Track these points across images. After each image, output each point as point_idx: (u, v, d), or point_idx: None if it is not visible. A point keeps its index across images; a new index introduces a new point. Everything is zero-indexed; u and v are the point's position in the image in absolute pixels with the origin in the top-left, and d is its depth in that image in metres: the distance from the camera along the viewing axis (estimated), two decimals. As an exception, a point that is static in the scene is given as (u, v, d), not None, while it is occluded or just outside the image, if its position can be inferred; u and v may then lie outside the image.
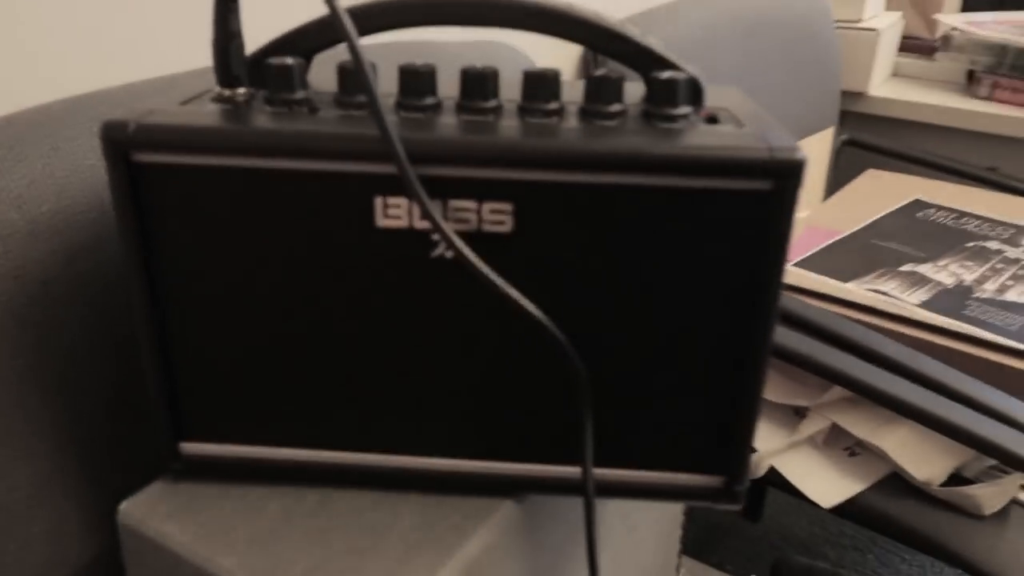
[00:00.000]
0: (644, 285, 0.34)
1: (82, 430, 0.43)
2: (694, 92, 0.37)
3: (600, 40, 0.37)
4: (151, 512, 0.37)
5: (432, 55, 0.64)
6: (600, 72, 0.35)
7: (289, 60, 0.36)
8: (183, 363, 0.38)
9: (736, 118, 0.35)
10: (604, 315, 0.35)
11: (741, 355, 0.35)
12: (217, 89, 0.37)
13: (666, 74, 0.35)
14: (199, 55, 0.59)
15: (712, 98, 0.39)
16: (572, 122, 0.34)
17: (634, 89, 0.40)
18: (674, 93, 0.35)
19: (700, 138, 0.32)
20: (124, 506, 0.38)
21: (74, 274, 0.42)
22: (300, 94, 0.36)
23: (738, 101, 0.39)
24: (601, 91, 0.35)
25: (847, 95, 1.37)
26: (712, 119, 0.35)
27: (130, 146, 0.33)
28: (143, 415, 0.45)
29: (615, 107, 0.35)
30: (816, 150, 1.28)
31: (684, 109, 0.35)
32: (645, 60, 0.37)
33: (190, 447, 0.39)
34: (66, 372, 0.42)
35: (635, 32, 0.37)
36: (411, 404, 0.38)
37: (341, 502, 0.38)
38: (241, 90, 0.37)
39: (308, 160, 0.33)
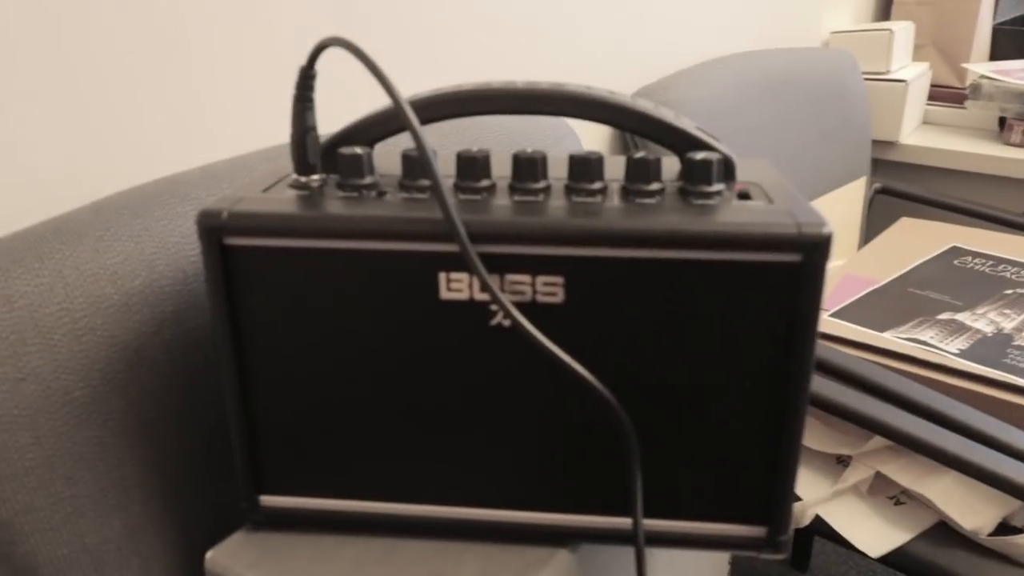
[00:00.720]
0: (686, 348, 0.37)
1: (169, 484, 0.47)
2: (727, 169, 0.41)
3: (638, 125, 0.40)
4: (235, 560, 0.41)
5: (484, 128, 0.69)
6: (640, 154, 0.39)
7: (358, 149, 0.40)
8: (263, 423, 0.41)
9: (767, 194, 0.39)
10: (649, 376, 0.38)
11: (778, 412, 0.38)
12: (294, 176, 0.41)
13: (700, 155, 0.39)
14: (266, 136, 0.64)
15: (744, 172, 0.42)
16: (615, 200, 0.38)
17: (670, 164, 0.44)
18: (708, 172, 0.38)
19: (734, 215, 0.36)
20: (210, 555, 0.41)
21: (161, 341, 0.46)
22: (368, 179, 0.40)
23: (768, 175, 0.42)
24: (641, 171, 0.39)
25: (879, 144, 1.39)
26: (744, 195, 0.38)
27: (223, 231, 0.37)
28: (226, 470, 0.49)
29: (654, 186, 0.39)
30: (849, 200, 1.30)
31: (718, 186, 0.38)
32: (680, 142, 0.40)
33: (269, 500, 0.43)
34: (155, 431, 0.46)
35: (670, 115, 0.41)
36: (471, 460, 0.41)
37: (407, 550, 0.41)
38: (316, 177, 0.41)
39: (378, 241, 0.37)
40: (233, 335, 0.39)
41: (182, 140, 0.59)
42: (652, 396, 0.38)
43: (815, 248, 0.34)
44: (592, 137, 0.99)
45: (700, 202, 0.38)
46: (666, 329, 0.37)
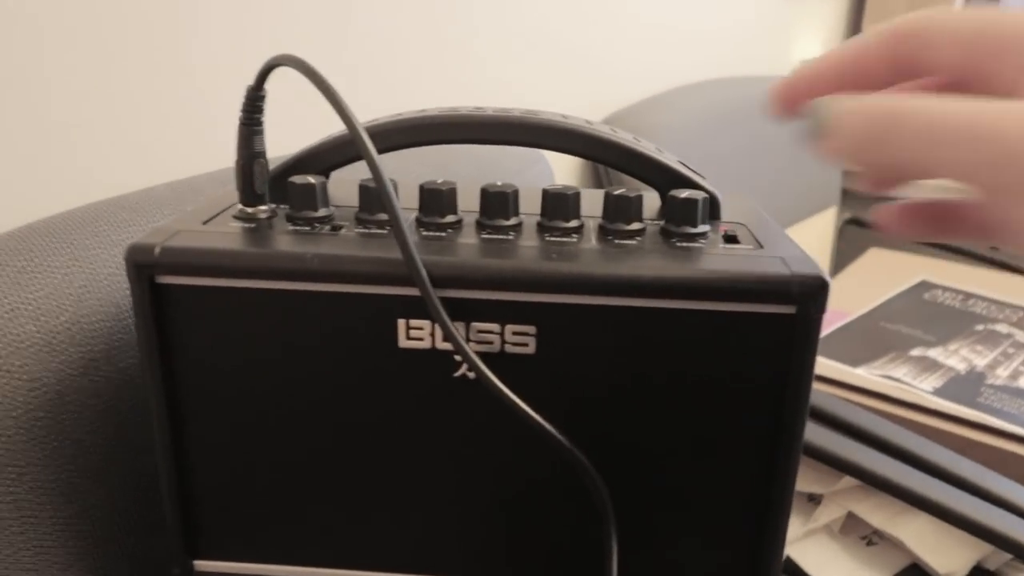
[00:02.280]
0: (667, 404, 0.34)
1: (94, 546, 0.42)
2: (712, 208, 0.38)
3: (618, 159, 0.37)
4: (163, 637, 0.36)
5: (449, 154, 0.65)
6: (619, 191, 0.36)
7: (311, 179, 0.36)
8: (199, 479, 0.37)
9: (754, 237, 0.36)
10: (627, 435, 0.35)
11: (768, 472, 0.35)
12: (239, 206, 0.37)
13: (685, 193, 0.36)
14: (218, 158, 0.60)
15: (729, 211, 0.40)
16: (592, 241, 0.35)
17: (649, 200, 0.41)
18: (693, 213, 0.35)
19: (722, 262, 0.33)
20: (135, 630, 0.37)
21: (90, 384, 0.42)
22: (322, 212, 0.36)
23: (753, 215, 0.39)
24: (621, 209, 0.36)
25: (849, 174, 1.39)
26: (731, 237, 0.36)
27: (155, 269, 0.33)
28: (157, 528, 0.45)
29: (635, 226, 0.36)
30: (819, 230, 1.29)
31: (703, 228, 0.36)
32: (663, 178, 0.37)
33: (204, 564, 0.39)
34: (77, 486, 0.41)
35: (651, 148, 0.38)
36: (428, 523, 0.37)
37: (357, 623, 0.37)
38: (263, 208, 0.37)
39: (331, 283, 0.33)
40: (166, 383, 0.35)
41: (122, 160, 0.54)
42: (630, 456, 0.35)
43: (811, 299, 0.31)
44: (563, 164, 0.96)
45: (684, 244, 0.35)
46: (646, 384, 0.34)
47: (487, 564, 0.37)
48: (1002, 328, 0.96)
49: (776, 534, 0.35)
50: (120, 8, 0.52)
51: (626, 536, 0.36)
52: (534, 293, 0.32)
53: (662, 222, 0.37)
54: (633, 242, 0.35)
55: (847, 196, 1.43)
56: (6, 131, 0.48)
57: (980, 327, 0.97)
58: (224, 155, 0.60)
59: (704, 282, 0.32)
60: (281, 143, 0.43)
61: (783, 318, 0.32)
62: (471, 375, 0.34)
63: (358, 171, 0.38)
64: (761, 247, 0.34)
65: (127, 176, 0.55)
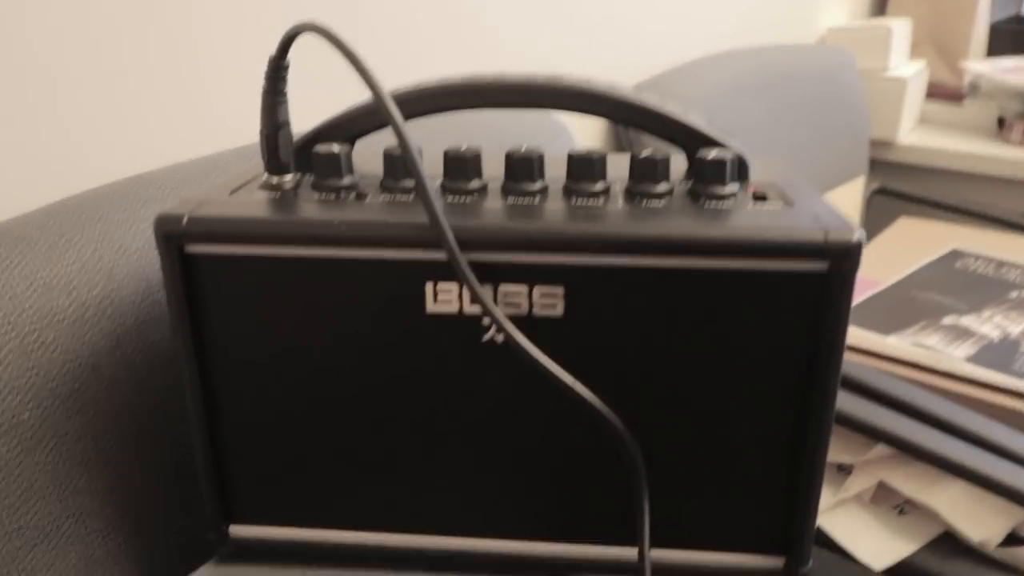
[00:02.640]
0: (698, 364, 0.34)
1: (131, 514, 0.43)
2: (740, 168, 0.37)
3: (644, 120, 0.37)
4: (201, 601, 0.37)
5: (471, 124, 0.65)
6: (646, 153, 0.35)
7: (336, 147, 0.36)
8: (232, 447, 0.37)
9: (784, 195, 0.35)
10: (658, 395, 0.34)
11: (801, 432, 0.34)
12: (265, 176, 0.37)
13: (713, 153, 0.35)
14: (243, 133, 0.60)
15: (758, 172, 0.39)
16: (619, 203, 0.34)
17: (676, 164, 0.40)
18: (722, 172, 0.35)
19: (752, 219, 0.32)
20: (173, 595, 0.37)
21: (121, 357, 0.42)
22: (347, 180, 0.36)
23: (784, 175, 0.39)
24: (647, 170, 0.35)
25: (876, 144, 1.36)
26: (760, 196, 0.35)
27: (183, 238, 0.33)
28: (192, 497, 0.45)
29: (662, 187, 0.35)
30: (847, 200, 1.27)
31: (732, 187, 0.35)
32: (690, 139, 0.37)
33: (239, 530, 0.39)
34: (113, 456, 0.42)
35: (677, 110, 0.38)
36: (460, 486, 0.37)
37: (390, 587, 0.38)
38: (288, 177, 0.37)
39: (358, 249, 0.33)
40: (198, 352, 0.36)
41: (148, 136, 0.55)
42: (661, 416, 0.35)
43: (844, 255, 0.31)
44: (586, 136, 0.95)
45: (713, 205, 0.34)
46: (676, 344, 0.33)
47: (519, 526, 0.37)
48: (1037, 295, 0.94)
49: (809, 496, 0.35)
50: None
51: (658, 497, 0.36)
52: (561, 254, 0.32)
53: (690, 183, 0.36)
54: (660, 203, 0.34)
55: (875, 165, 1.40)
56: (30, 111, 0.49)
57: (1014, 294, 0.95)
58: (244, 132, 0.60)
59: (734, 240, 0.31)
60: (304, 113, 0.43)
61: (815, 276, 0.31)
62: (499, 338, 0.34)
63: (382, 143, 0.38)
64: (791, 205, 0.34)
65: (149, 156, 0.55)
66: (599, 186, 0.35)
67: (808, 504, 0.35)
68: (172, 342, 0.43)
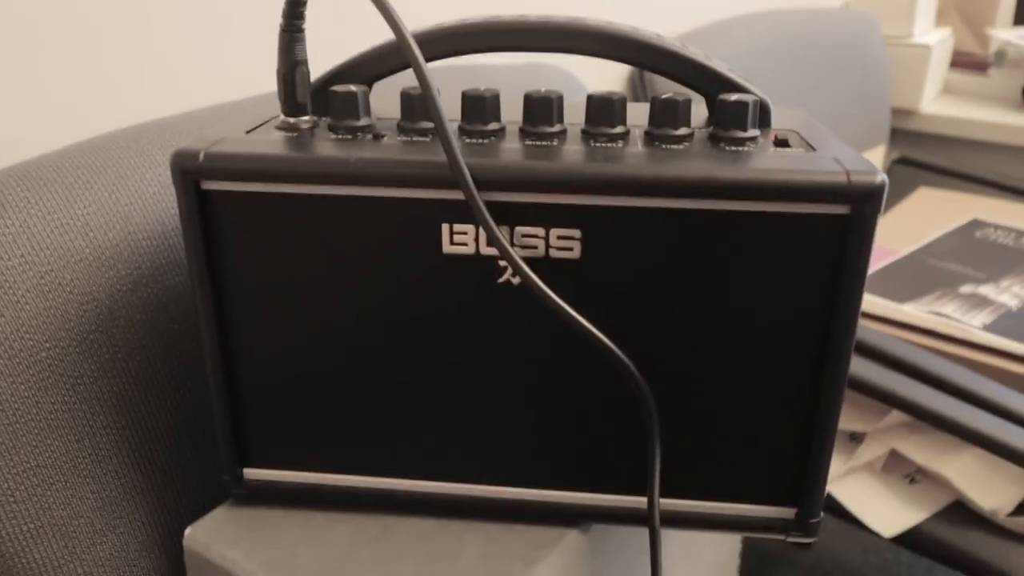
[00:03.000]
0: (715, 311, 0.33)
1: (146, 455, 0.43)
2: (762, 114, 0.36)
3: (665, 64, 0.36)
4: (216, 538, 0.37)
5: (483, 78, 0.64)
6: (666, 95, 0.35)
7: (353, 88, 0.36)
8: (248, 390, 0.38)
9: (806, 141, 0.35)
10: (674, 342, 0.34)
11: (817, 382, 0.34)
12: (282, 117, 0.37)
13: (734, 97, 0.34)
14: (260, 81, 0.59)
15: (779, 120, 0.38)
16: (638, 146, 0.34)
17: (697, 111, 0.40)
18: (743, 116, 0.34)
19: (773, 162, 0.32)
20: (189, 531, 0.38)
21: (138, 300, 0.42)
22: (364, 121, 0.36)
23: (806, 123, 0.38)
24: (668, 114, 0.35)
25: (898, 113, 1.34)
26: (782, 142, 0.34)
27: (199, 175, 0.33)
28: (207, 440, 0.46)
29: (682, 130, 0.35)
30: (867, 169, 1.26)
31: (753, 132, 0.34)
32: (711, 83, 0.36)
33: (253, 473, 0.39)
34: (130, 397, 0.42)
35: (699, 54, 0.37)
36: (474, 432, 0.37)
37: (405, 529, 0.38)
38: (305, 118, 0.37)
39: (374, 188, 0.33)
40: (214, 293, 0.36)
41: (167, 82, 0.54)
42: (677, 364, 0.35)
43: (867, 198, 0.30)
44: (603, 84, 0.94)
45: (734, 148, 0.34)
46: (694, 289, 0.33)
47: (532, 473, 0.38)
48: (1058, 265, 0.93)
49: (822, 446, 0.35)
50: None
51: (670, 445, 0.36)
52: (579, 195, 0.32)
53: (711, 128, 0.36)
54: (680, 147, 0.34)
55: (896, 134, 1.38)
56: (45, 50, 0.48)
57: (1034, 264, 0.94)
58: (264, 78, 0.60)
59: (754, 181, 0.31)
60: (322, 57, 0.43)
61: (837, 219, 0.31)
62: (516, 280, 0.34)
63: (398, 87, 0.37)
64: (813, 150, 0.33)
65: (167, 101, 0.55)
66: (618, 129, 0.35)
67: (821, 455, 0.35)
68: (189, 283, 0.44)
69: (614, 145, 0.34)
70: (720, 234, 0.32)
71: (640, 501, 0.38)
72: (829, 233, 0.31)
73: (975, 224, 1.05)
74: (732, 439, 0.36)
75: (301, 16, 0.35)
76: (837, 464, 0.84)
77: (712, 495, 0.37)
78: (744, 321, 0.33)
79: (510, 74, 0.68)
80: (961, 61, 1.43)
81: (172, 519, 0.44)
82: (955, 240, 1.01)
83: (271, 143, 0.34)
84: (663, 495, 0.37)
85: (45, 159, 0.42)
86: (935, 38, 1.32)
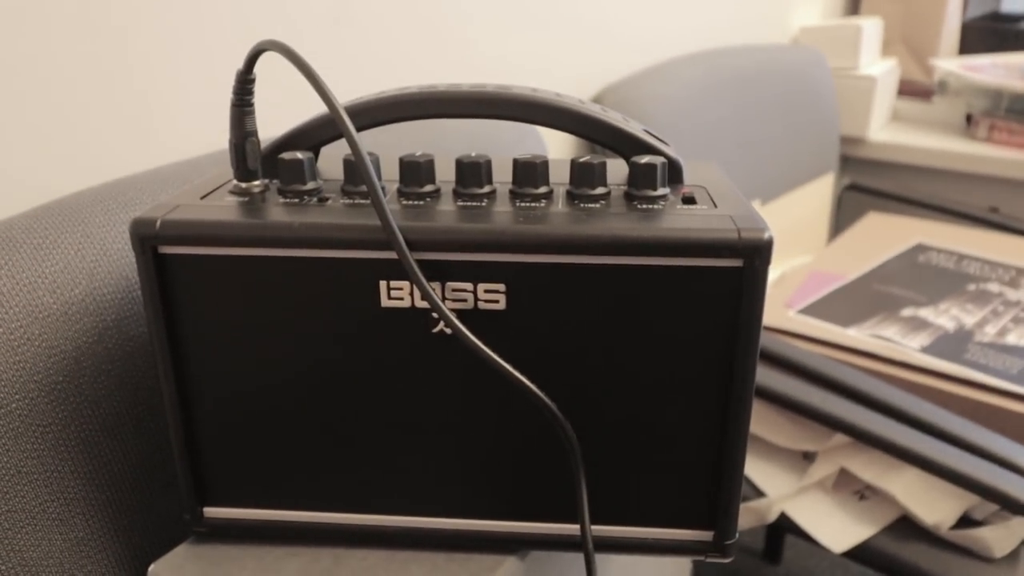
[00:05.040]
0: (629, 353, 0.37)
1: (112, 497, 0.46)
2: (674, 172, 0.40)
3: (585, 128, 0.40)
4: (178, 573, 0.40)
5: (444, 128, 0.68)
6: (584, 158, 0.38)
7: (299, 155, 0.39)
8: (205, 434, 0.40)
9: (711, 197, 0.38)
10: (593, 383, 0.37)
11: (723, 418, 0.37)
12: (235, 182, 0.40)
13: (645, 159, 0.38)
14: (216, 139, 0.63)
15: (693, 175, 0.42)
16: (560, 205, 0.37)
17: (618, 167, 0.43)
18: (653, 176, 0.38)
19: (677, 220, 0.35)
20: (153, 568, 0.40)
21: (103, 351, 0.45)
22: (310, 185, 0.39)
23: (715, 178, 0.42)
24: (585, 175, 0.38)
25: (848, 141, 1.40)
26: (689, 199, 0.38)
27: (157, 240, 0.36)
28: (168, 481, 0.48)
29: (599, 190, 0.38)
30: (818, 196, 1.31)
31: (663, 190, 0.38)
32: (627, 145, 0.40)
33: (213, 511, 0.42)
34: (96, 443, 0.45)
35: (617, 117, 0.41)
36: (419, 468, 0.40)
37: (354, 561, 0.41)
38: (256, 182, 0.40)
39: (318, 249, 0.36)
40: (172, 345, 0.39)
41: (128, 144, 0.58)
42: (596, 402, 0.38)
43: (756, 252, 0.34)
44: (556, 137, 0.98)
45: (645, 207, 0.37)
46: (609, 335, 0.37)
47: (471, 505, 0.41)
48: (993, 287, 0.98)
49: (732, 474, 0.38)
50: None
51: (595, 477, 0.39)
52: (502, 253, 0.35)
53: (626, 187, 0.39)
54: (598, 205, 0.37)
55: (848, 162, 1.44)
56: (14, 116, 0.51)
57: (972, 287, 0.98)
58: (220, 139, 0.63)
59: (659, 239, 0.34)
60: (282, 119, 0.46)
61: (732, 271, 0.34)
62: (448, 330, 0.37)
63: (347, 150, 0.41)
64: (716, 207, 0.37)
65: (129, 161, 0.58)
66: (542, 189, 0.38)
67: (732, 482, 0.38)
68: (148, 337, 0.46)
69: (538, 204, 0.38)
70: (631, 285, 0.35)
71: (574, 528, 0.41)
72: (726, 283, 0.35)
73: (919, 248, 1.10)
74: (652, 471, 0.39)
75: (250, 92, 0.39)
76: (791, 483, 0.88)
77: (638, 521, 0.40)
78: (656, 363, 0.37)
79: (470, 125, 0.71)
80: (908, 89, 1.50)
81: (137, 557, 0.47)
82: (899, 264, 1.05)
83: (223, 208, 0.37)
84: (594, 522, 0.40)
85: (15, 220, 0.45)
86: (880, 69, 1.38)
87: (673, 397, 0.37)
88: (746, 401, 0.37)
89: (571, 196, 0.38)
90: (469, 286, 0.36)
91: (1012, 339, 0.86)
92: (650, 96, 1.02)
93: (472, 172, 0.38)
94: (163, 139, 0.59)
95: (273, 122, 0.48)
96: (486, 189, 0.39)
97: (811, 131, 1.27)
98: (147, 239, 0.36)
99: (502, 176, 0.41)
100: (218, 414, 0.40)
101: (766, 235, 0.34)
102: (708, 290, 0.35)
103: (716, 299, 0.35)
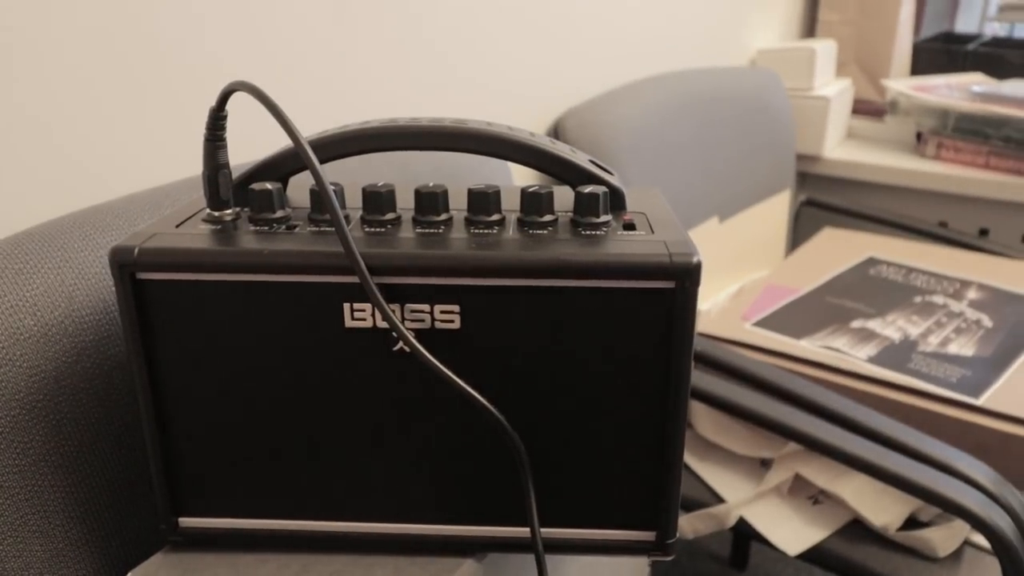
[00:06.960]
0: (574, 369, 0.40)
1: (90, 510, 0.48)
2: (616, 200, 0.44)
3: (533, 159, 0.43)
4: (153, 582, 0.42)
5: (411, 157, 0.71)
6: (532, 188, 0.42)
7: (269, 185, 0.42)
8: (180, 448, 0.43)
9: (649, 224, 0.42)
10: (540, 396, 0.41)
11: (661, 426, 0.41)
12: (207, 211, 0.43)
13: (588, 188, 0.42)
14: (188, 166, 0.65)
15: (636, 202, 0.46)
16: (511, 231, 0.41)
17: (567, 195, 0.47)
18: (596, 205, 0.41)
19: (616, 246, 0.39)
20: (131, 575, 0.43)
21: (82, 370, 0.47)
22: (279, 213, 0.42)
23: (655, 205, 0.45)
24: (534, 204, 0.42)
25: (804, 158, 1.45)
26: (630, 225, 0.42)
27: (135, 267, 0.39)
28: (145, 493, 0.51)
29: (547, 217, 0.41)
30: (775, 212, 1.35)
31: (605, 217, 0.42)
32: (573, 175, 0.43)
33: (187, 521, 0.45)
34: (75, 458, 0.47)
35: (565, 149, 0.44)
36: (380, 477, 0.43)
37: (322, 565, 0.43)
38: (228, 211, 0.43)
39: (286, 274, 0.39)
40: (149, 366, 0.41)
41: (103, 171, 0.60)
42: (544, 414, 0.41)
43: (686, 275, 0.37)
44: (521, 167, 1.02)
45: (588, 233, 0.41)
46: (556, 351, 0.40)
47: (431, 511, 0.44)
48: (938, 299, 1.02)
49: (670, 478, 0.42)
50: (108, 22, 0.58)
51: (542, 483, 0.42)
52: (456, 277, 0.38)
53: (572, 214, 0.42)
54: (545, 232, 0.41)
55: (805, 179, 1.49)
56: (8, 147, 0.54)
57: (918, 299, 1.03)
58: (193, 165, 0.66)
59: (599, 263, 0.38)
60: (261, 145, 0.49)
61: (665, 292, 0.38)
62: (407, 348, 0.40)
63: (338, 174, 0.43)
64: (653, 232, 0.40)
65: (106, 186, 0.61)
66: (495, 217, 0.42)
67: (670, 486, 0.42)
68: (127, 357, 0.49)
69: (490, 231, 0.41)
70: (575, 305, 0.39)
71: (525, 531, 0.44)
72: (660, 303, 0.38)
73: (870, 262, 1.15)
74: (597, 476, 0.42)
75: (223, 127, 0.42)
76: (749, 489, 0.91)
77: (585, 523, 0.43)
78: (599, 377, 0.40)
79: (438, 153, 0.74)
80: (862, 108, 1.55)
81: (115, 566, 0.49)
82: (851, 277, 1.10)
83: (197, 236, 0.40)
84: (543, 525, 0.43)
85: (-4, 246, 0.48)
86: (834, 89, 1.44)
87: (615, 408, 0.41)
88: (681, 410, 0.40)
89: (521, 223, 0.42)
90: (426, 307, 0.39)
91: (953, 349, 0.90)
92: (612, 118, 1.06)
93: (430, 201, 0.42)
94: (139, 165, 0.62)
95: (247, 140, 0.51)
96: (443, 217, 0.42)
97: (768, 149, 1.32)
98: (126, 266, 0.39)
99: (459, 204, 0.44)
100: (193, 429, 0.42)
101: (695, 259, 0.37)
102: (644, 309, 0.38)
103: (651, 318, 0.39)
